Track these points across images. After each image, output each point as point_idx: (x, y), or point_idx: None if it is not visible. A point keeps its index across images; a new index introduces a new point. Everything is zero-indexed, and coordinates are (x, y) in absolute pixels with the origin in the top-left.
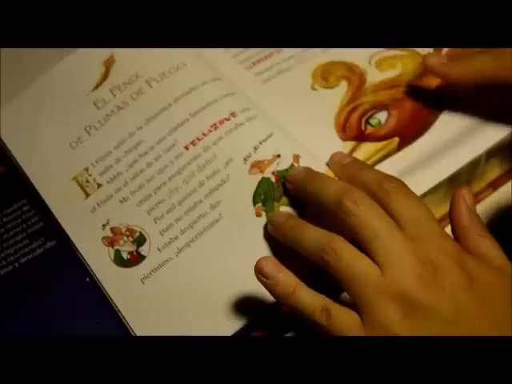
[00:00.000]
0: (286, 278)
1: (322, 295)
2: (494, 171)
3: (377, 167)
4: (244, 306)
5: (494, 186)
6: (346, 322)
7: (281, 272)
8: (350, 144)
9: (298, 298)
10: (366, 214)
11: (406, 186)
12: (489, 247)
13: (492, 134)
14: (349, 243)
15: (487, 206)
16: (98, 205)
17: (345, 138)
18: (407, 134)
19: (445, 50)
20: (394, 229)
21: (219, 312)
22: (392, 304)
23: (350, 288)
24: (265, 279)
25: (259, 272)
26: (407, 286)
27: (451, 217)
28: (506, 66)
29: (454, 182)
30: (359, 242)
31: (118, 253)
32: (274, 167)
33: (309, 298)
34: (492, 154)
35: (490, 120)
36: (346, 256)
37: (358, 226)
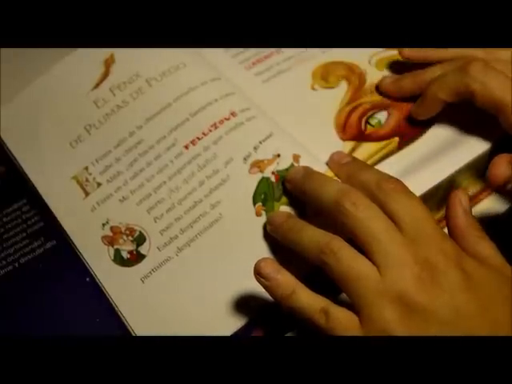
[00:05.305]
0: (285, 280)
1: (320, 296)
2: None
3: (377, 167)
4: (244, 305)
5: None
6: (344, 323)
7: (280, 273)
8: (350, 144)
9: (297, 299)
10: (364, 216)
11: (405, 186)
12: (486, 248)
13: (492, 134)
14: (348, 244)
15: (484, 208)
16: (97, 204)
17: (345, 138)
18: (407, 134)
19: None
20: (392, 230)
21: (219, 311)
22: (390, 305)
23: (349, 289)
24: (264, 281)
25: (258, 273)
26: (405, 287)
27: (448, 219)
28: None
29: (453, 182)
30: (358, 244)
31: (117, 252)
32: (274, 167)
33: (308, 300)
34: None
35: (491, 119)
36: (345, 258)
37: (356, 228)
